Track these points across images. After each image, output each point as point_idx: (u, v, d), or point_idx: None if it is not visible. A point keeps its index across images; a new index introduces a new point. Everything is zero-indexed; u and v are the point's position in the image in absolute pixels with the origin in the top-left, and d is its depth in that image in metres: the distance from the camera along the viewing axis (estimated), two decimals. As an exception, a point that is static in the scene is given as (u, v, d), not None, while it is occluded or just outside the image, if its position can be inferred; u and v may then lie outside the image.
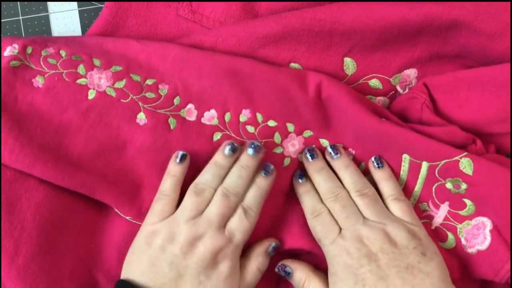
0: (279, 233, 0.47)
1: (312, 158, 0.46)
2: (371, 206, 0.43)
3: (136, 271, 0.41)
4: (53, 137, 0.44)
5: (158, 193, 0.45)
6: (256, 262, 0.45)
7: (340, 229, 0.43)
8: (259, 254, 0.46)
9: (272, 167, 0.45)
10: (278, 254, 0.49)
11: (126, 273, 0.42)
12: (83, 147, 0.45)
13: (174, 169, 0.45)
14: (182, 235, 0.42)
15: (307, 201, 0.45)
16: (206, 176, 0.44)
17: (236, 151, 0.44)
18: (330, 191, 0.44)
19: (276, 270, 0.47)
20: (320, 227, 0.44)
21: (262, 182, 0.45)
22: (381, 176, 0.45)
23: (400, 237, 0.42)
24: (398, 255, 0.41)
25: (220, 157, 0.44)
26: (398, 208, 0.44)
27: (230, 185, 0.44)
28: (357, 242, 0.42)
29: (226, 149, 0.44)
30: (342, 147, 0.46)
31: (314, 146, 0.47)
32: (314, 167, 0.46)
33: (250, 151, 0.44)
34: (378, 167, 0.45)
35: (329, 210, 0.44)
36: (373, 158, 0.46)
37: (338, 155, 0.46)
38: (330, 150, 0.46)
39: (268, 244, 0.46)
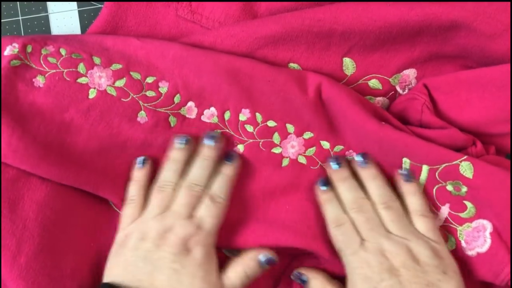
0: (278, 233, 0.47)
1: (337, 167, 0.45)
2: (396, 220, 0.43)
3: (114, 274, 0.42)
4: (56, 136, 0.44)
5: (126, 199, 0.46)
6: (244, 265, 0.45)
7: (362, 240, 0.43)
8: (249, 258, 0.46)
9: (234, 153, 0.46)
10: (282, 255, 0.49)
11: (107, 279, 0.43)
12: (85, 145, 0.45)
13: (137, 175, 0.46)
14: (152, 230, 0.43)
15: (330, 210, 0.45)
16: (165, 174, 0.46)
17: (188, 143, 0.46)
18: (354, 201, 0.44)
19: (292, 277, 0.47)
20: (342, 237, 0.44)
21: (227, 170, 0.46)
22: (409, 190, 0.45)
23: (423, 254, 0.41)
24: (420, 272, 0.41)
25: (174, 152, 0.46)
26: (423, 224, 0.44)
27: (193, 177, 0.45)
28: (379, 255, 0.42)
29: (178, 143, 0.46)
30: (371, 156, 0.46)
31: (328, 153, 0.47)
32: (338, 176, 0.45)
33: (207, 142, 0.46)
34: (407, 181, 0.45)
35: (351, 221, 0.44)
36: (402, 171, 0.45)
37: (367, 165, 0.45)
38: (359, 158, 0.45)
39: (264, 253, 0.46)
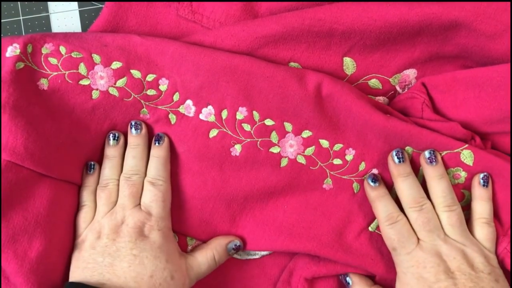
0: (274, 236, 0.47)
1: (399, 161, 0.45)
2: (456, 225, 0.43)
3: (76, 276, 0.43)
4: (67, 136, 0.45)
5: (78, 204, 0.47)
6: (215, 250, 0.47)
7: (418, 239, 0.43)
8: (219, 244, 0.47)
9: (162, 134, 0.47)
10: (281, 254, 0.50)
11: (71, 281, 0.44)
12: (93, 143, 0.47)
13: (87, 180, 0.47)
14: (105, 227, 0.44)
15: (381, 207, 0.45)
16: (105, 172, 0.47)
17: (119, 138, 0.47)
18: (414, 200, 0.44)
19: (340, 277, 0.48)
20: (397, 236, 0.44)
21: (157, 151, 0.47)
22: (482, 195, 0.44)
23: (477, 261, 0.42)
24: (474, 277, 0.41)
25: (108, 149, 0.47)
26: (484, 233, 0.44)
27: (128, 167, 0.46)
28: (436, 257, 0.42)
29: (109, 140, 0.47)
30: (440, 155, 0.45)
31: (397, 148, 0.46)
32: (400, 172, 0.45)
33: (133, 131, 0.47)
34: (484, 185, 0.44)
35: (406, 219, 0.44)
36: (481, 175, 0.44)
37: (435, 163, 0.44)
38: (427, 155, 0.44)
39: (231, 239, 0.48)
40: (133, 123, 0.47)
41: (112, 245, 0.43)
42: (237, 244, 0.48)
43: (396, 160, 0.45)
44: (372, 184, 0.45)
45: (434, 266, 0.42)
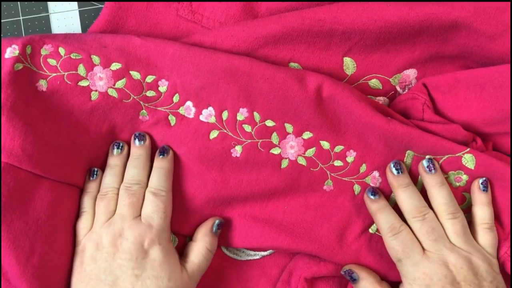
0: (275, 234, 0.47)
1: (397, 172, 0.45)
2: (460, 233, 0.43)
3: None
4: (66, 138, 0.45)
5: (79, 210, 0.46)
6: (204, 242, 0.47)
7: (423, 249, 0.43)
8: (205, 234, 0.47)
9: (167, 147, 0.47)
10: (281, 254, 0.49)
11: None
12: (92, 145, 0.47)
13: (89, 186, 0.47)
14: (103, 239, 0.44)
15: (383, 219, 0.45)
16: (105, 180, 0.46)
17: (123, 148, 0.47)
18: (416, 210, 0.44)
19: (342, 273, 0.47)
20: (401, 246, 0.43)
21: (161, 163, 0.46)
22: (483, 200, 0.44)
23: (482, 269, 0.42)
24: (477, 286, 0.41)
25: (111, 158, 0.47)
26: (487, 238, 0.44)
27: (129, 177, 0.46)
28: (443, 267, 0.42)
29: (113, 149, 0.47)
30: (438, 162, 0.45)
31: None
32: (399, 182, 0.45)
33: (136, 142, 0.46)
34: (484, 190, 0.44)
35: (409, 228, 0.44)
36: (481, 180, 0.44)
37: (434, 171, 0.44)
38: (425, 164, 0.44)
39: (212, 222, 0.47)
40: (136, 134, 0.47)
41: (113, 261, 0.43)
42: (219, 222, 0.47)
43: (395, 171, 0.45)
44: (372, 197, 0.45)
45: (441, 279, 0.41)
